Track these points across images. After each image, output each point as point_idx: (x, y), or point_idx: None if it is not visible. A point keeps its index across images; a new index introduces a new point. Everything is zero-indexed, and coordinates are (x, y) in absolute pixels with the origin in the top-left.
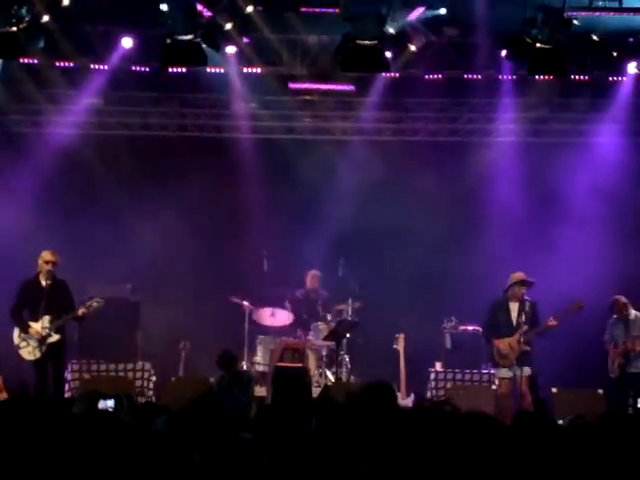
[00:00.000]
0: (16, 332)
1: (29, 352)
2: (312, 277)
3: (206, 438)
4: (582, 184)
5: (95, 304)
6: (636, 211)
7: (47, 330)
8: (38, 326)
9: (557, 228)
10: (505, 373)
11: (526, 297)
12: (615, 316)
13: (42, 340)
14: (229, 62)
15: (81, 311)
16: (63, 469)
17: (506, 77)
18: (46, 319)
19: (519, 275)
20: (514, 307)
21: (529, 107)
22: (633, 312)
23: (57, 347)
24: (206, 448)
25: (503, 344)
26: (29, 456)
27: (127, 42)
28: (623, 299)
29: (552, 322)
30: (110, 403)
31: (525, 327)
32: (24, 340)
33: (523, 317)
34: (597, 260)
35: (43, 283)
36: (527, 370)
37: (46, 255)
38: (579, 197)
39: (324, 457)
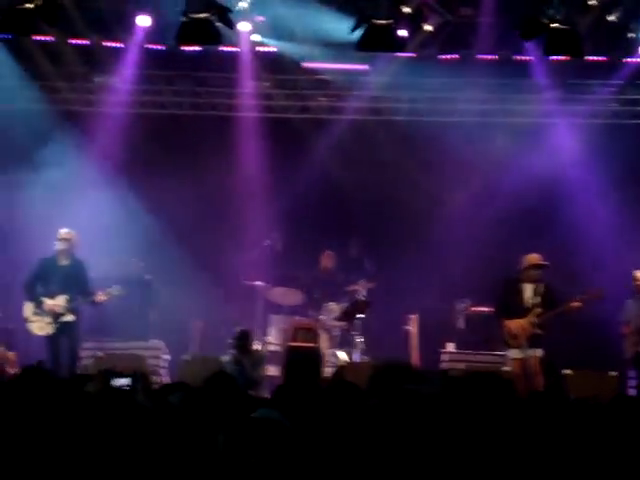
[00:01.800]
0: (28, 306)
1: (41, 327)
2: (326, 257)
3: (227, 419)
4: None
5: (115, 292)
6: None
7: (63, 309)
8: (53, 303)
9: (570, 210)
10: (516, 354)
11: (540, 279)
12: (632, 297)
13: (55, 317)
14: (243, 41)
15: (100, 297)
16: (75, 445)
17: (521, 57)
18: (62, 298)
19: (533, 258)
20: (528, 288)
21: (543, 88)
22: None
23: (71, 326)
24: (228, 430)
25: (514, 324)
26: (38, 431)
27: (143, 20)
28: (638, 276)
29: (577, 303)
30: (125, 381)
31: (539, 310)
32: (36, 314)
33: (537, 299)
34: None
35: (61, 262)
36: (539, 352)
37: (61, 233)
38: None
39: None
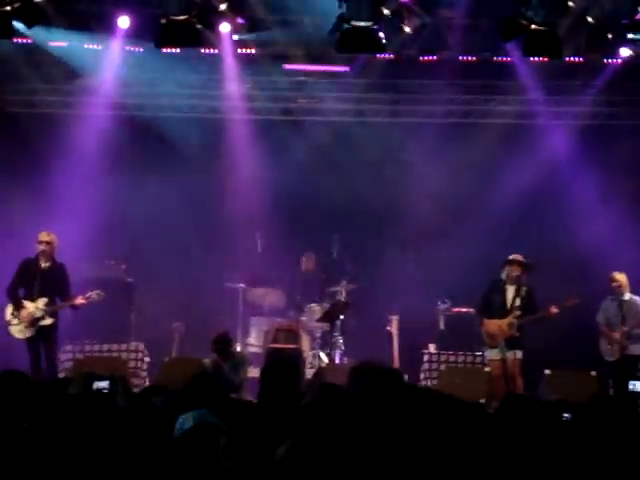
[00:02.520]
0: (9, 309)
1: (20, 330)
2: (307, 259)
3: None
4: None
5: (95, 296)
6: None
7: (41, 312)
8: (33, 306)
9: (555, 213)
10: (495, 354)
11: (523, 281)
12: (610, 297)
13: (34, 321)
14: (224, 43)
15: (79, 301)
16: (54, 448)
17: (501, 59)
18: (42, 301)
19: (514, 255)
20: (510, 289)
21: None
22: (628, 294)
23: (49, 329)
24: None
25: (493, 324)
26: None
27: (124, 22)
28: (618, 278)
29: (554, 309)
30: (105, 384)
31: (518, 312)
32: (16, 317)
33: (518, 301)
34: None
35: (42, 264)
36: (518, 353)
37: (42, 235)
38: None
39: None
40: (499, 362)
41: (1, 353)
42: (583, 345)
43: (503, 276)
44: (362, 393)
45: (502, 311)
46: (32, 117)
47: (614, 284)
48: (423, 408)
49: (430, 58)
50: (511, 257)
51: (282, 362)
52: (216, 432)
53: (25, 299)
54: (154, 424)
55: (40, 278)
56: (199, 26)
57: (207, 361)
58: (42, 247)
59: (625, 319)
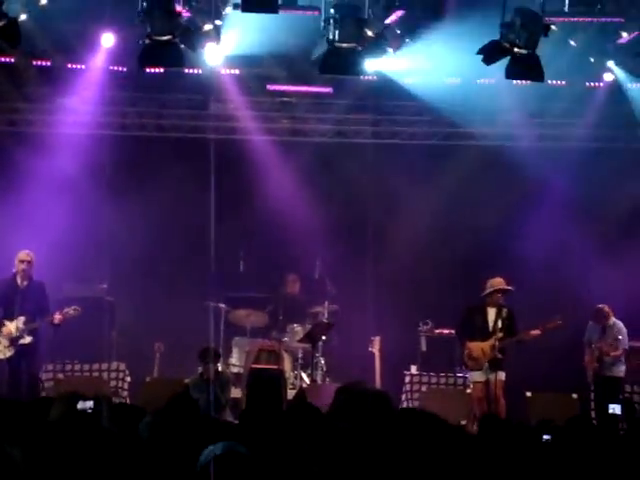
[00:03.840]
0: None
1: (0, 351)
2: (290, 281)
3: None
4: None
5: (72, 312)
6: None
7: (20, 331)
8: (12, 326)
9: (537, 234)
10: (478, 376)
11: (503, 303)
12: (595, 321)
13: (14, 340)
14: (207, 63)
15: (57, 318)
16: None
17: (481, 81)
18: (21, 320)
19: (498, 281)
20: (491, 311)
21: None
22: (613, 319)
23: (29, 348)
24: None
25: (475, 347)
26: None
27: (107, 40)
28: (606, 309)
29: (536, 332)
30: (89, 404)
31: (500, 334)
32: None
33: (499, 324)
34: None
35: (19, 283)
36: (500, 374)
37: (21, 255)
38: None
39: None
40: (482, 384)
41: None
42: (566, 368)
43: (484, 298)
44: (348, 414)
45: (484, 333)
46: (14, 135)
47: (599, 309)
48: (407, 430)
49: (412, 80)
50: (493, 280)
51: (265, 385)
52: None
53: (5, 319)
54: (139, 445)
55: (20, 297)
56: (182, 46)
57: (194, 378)
58: (23, 266)
59: (602, 342)
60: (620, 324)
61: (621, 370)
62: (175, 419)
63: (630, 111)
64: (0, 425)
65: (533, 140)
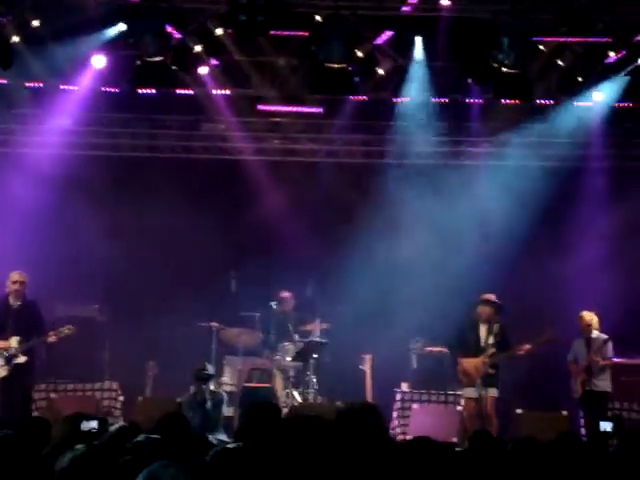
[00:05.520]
0: None
1: None
2: (284, 298)
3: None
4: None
5: (66, 331)
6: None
7: (14, 350)
8: (6, 344)
9: (521, 248)
10: (471, 393)
11: (495, 319)
12: (579, 337)
13: (8, 359)
14: (198, 84)
15: (51, 337)
16: None
17: (473, 101)
18: (14, 340)
19: (488, 297)
20: (483, 328)
21: (495, 131)
22: (596, 332)
23: (24, 368)
24: None
25: (468, 363)
26: None
27: (99, 61)
28: (587, 318)
29: (527, 346)
30: (94, 424)
31: (492, 350)
32: None
33: (491, 339)
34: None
35: (12, 303)
36: (493, 391)
37: (14, 276)
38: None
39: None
40: (474, 401)
41: None
42: (555, 385)
43: (475, 315)
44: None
45: (476, 349)
46: (6, 156)
47: (582, 323)
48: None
49: (403, 100)
50: (484, 297)
51: (259, 399)
52: None
53: None
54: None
55: (13, 317)
56: (174, 67)
57: (183, 397)
58: (16, 287)
59: (589, 355)
60: (603, 336)
61: (608, 385)
62: (166, 437)
63: (621, 130)
64: None
65: (519, 158)
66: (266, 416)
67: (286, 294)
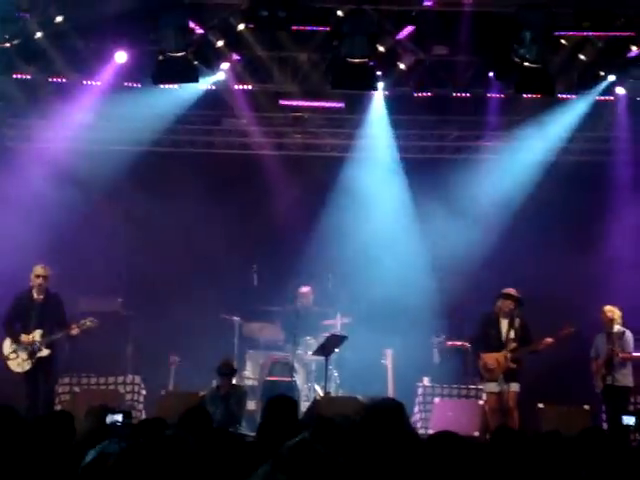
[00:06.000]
0: (6, 343)
1: (18, 364)
2: (303, 292)
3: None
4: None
5: (89, 324)
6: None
7: (38, 344)
8: (29, 338)
9: (544, 243)
10: (493, 388)
11: (516, 314)
12: (601, 332)
13: (32, 353)
14: (220, 79)
15: (74, 330)
16: None
17: (494, 95)
18: (38, 333)
19: (506, 289)
20: (504, 322)
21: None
22: (617, 326)
23: (47, 361)
24: None
25: (490, 358)
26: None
27: (121, 57)
28: (609, 314)
29: (549, 340)
30: (119, 417)
31: (514, 344)
32: (14, 352)
33: (512, 334)
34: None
35: (35, 297)
36: (514, 386)
37: (37, 269)
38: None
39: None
40: (496, 396)
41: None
42: (578, 379)
43: (496, 309)
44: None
45: (498, 344)
46: (29, 151)
47: (605, 318)
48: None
49: (424, 94)
50: (505, 291)
51: (282, 396)
52: None
53: (22, 332)
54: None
55: (36, 311)
56: (196, 62)
57: (206, 391)
58: (39, 281)
59: (609, 349)
60: (624, 330)
61: (630, 380)
62: (188, 431)
63: None
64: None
65: (539, 152)
66: (282, 409)
67: (306, 289)
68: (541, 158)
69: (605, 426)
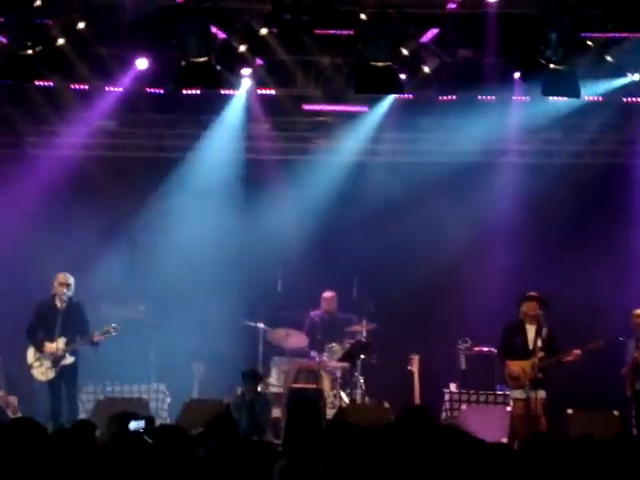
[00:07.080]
0: (30, 351)
1: (42, 372)
2: (328, 298)
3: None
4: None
5: (111, 330)
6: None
7: (62, 352)
8: (53, 346)
9: (568, 247)
10: (519, 394)
11: (543, 322)
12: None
13: (56, 361)
14: (243, 84)
15: (97, 337)
16: None
17: (519, 98)
18: (61, 341)
19: (530, 292)
20: (531, 329)
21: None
22: None
23: (70, 369)
24: None
25: (516, 366)
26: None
27: (142, 63)
28: (637, 316)
29: (576, 352)
30: (141, 424)
31: (541, 354)
32: (38, 360)
33: (539, 342)
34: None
35: (58, 305)
36: (541, 393)
37: (61, 277)
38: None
39: None
40: (523, 402)
41: (22, 394)
42: (606, 384)
43: (521, 315)
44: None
45: (524, 352)
46: (51, 158)
47: (634, 322)
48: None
49: (448, 98)
50: (528, 293)
51: (306, 400)
52: None
53: (45, 340)
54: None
55: (60, 318)
56: (218, 67)
57: (231, 398)
58: (63, 289)
59: (637, 353)
60: None
61: None
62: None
63: None
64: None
65: (567, 156)
66: (305, 417)
67: (329, 294)
68: (566, 161)
69: (635, 432)
